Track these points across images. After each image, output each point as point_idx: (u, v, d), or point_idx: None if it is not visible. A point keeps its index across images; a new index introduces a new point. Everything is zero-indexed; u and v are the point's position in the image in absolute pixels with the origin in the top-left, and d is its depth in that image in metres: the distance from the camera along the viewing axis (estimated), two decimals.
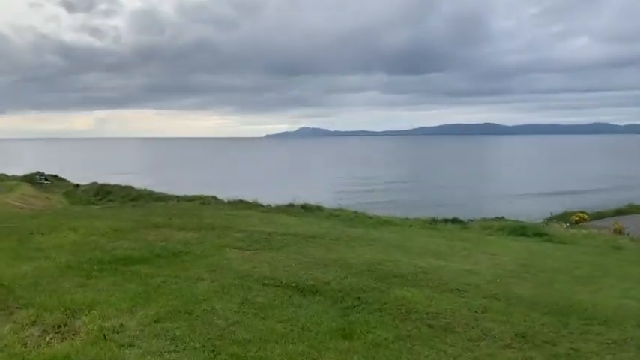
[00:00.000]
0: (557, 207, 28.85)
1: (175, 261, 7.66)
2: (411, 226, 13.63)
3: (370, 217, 15.52)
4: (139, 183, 42.58)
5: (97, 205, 29.14)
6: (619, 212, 23.21)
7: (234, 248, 8.67)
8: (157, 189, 36.96)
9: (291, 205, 16.11)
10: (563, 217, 22.73)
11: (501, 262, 8.39)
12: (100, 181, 43.98)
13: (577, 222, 19.93)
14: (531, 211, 31.55)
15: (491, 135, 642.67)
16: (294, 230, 10.80)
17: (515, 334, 4.79)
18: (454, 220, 14.61)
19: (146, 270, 6.99)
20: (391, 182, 56.74)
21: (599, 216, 22.84)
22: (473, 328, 4.95)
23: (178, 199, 25.38)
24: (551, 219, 23.50)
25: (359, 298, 5.75)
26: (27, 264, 7.30)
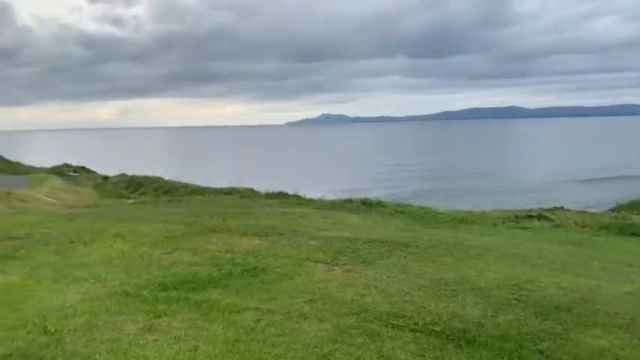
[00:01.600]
0: (622, 193, 26.63)
1: (254, 283, 6.09)
2: (495, 224, 11.89)
3: (439, 213, 13.83)
4: (164, 173, 41.43)
5: (129, 198, 27.96)
6: None
7: (317, 262, 7.06)
8: (184, 179, 35.79)
9: (349, 201, 14.48)
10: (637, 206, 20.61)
11: None
12: (127, 172, 43.09)
13: None
14: (592, 198, 29.40)
15: (516, 118, 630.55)
16: (374, 234, 9.16)
17: None
18: (540, 217, 12.77)
19: (224, 298, 5.43)
20: (427, 169, 54.85)
21: None
22: None
23: (216, 192, 24.01)
24: (619, 208, 21.32)
25: (540, 352, 4.08)
26: (73, 289, 5.82)
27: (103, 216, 12.11)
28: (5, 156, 62.09)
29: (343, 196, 15.68)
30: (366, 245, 8.05)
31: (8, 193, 19.90)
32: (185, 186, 28.19)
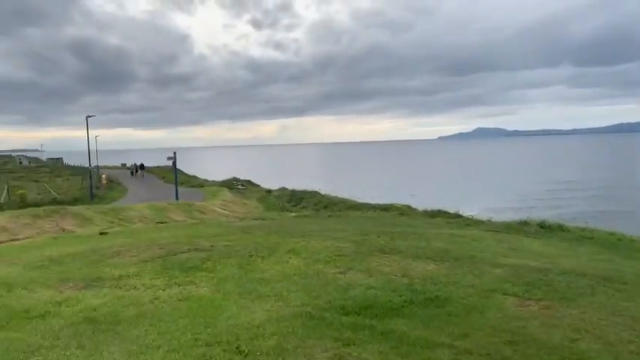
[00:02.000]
0: None
1: (440, 314, 5.60)
2: None
3: (634, 240, 11.98)
4: (321, 187, 42.77)
5: (291, 211, 29.23)
6: None
7: (506, 295, 6.34)
8: (339, 193, 36.45)
9: (524, 223, 13.25)
10: None
11: None
12: (287, 185, 45.30)
13: None
14: None
15: None
16: (566, 265, 8.10)
17: None
18: None
19: (411, 330, 5.03)
20: (599, 187, 49.17)
21: None
22: None
23: (375, 208, 23.93)
24: None
25: None
26: (258, 307, 5.89)
27: (274, 230, 12.58)
28: (184, 170, 69.78)
29: (505, 216, 14.49)
30: (560, 277, 7.09)
31: (189, 205, 21.94)
32: (343, 201, 28.66)
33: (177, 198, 27.18)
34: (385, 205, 24.68)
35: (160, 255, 9.04)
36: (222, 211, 24.75)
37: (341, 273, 7.60)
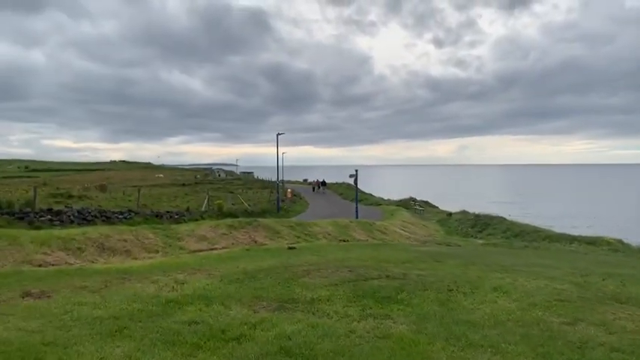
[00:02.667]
0: None
1: None
2: None
3: None
4: (505, 212, 39.33)
5: (475, 237, 27.19)
6: None
7: None
8: (529, 221, 32.93)
9: None
10: None
11: None
12: (466, 208, 42.70)
13: None
14: None
15: None
16: None
17: None
18: None
19: None
20: None
21: None
22: None
23: (578, 240, 20.93)
24: None
25: None
26: (472, 358, 4.84)
27: (469, 260, 11.30)
28: (361, 188, 70.97)
29: None
30: None
31: (370, 224, 21.52)
32: (536, 230, 25.73)
33: (357, 216, 27.22)
34: (591, 237, 21.43)
35: (350, 279, 8.49)
36: (402, 232, 23.94)
37: (568, 324, 6.14)
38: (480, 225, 30.49)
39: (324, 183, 66.20)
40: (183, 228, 13.29)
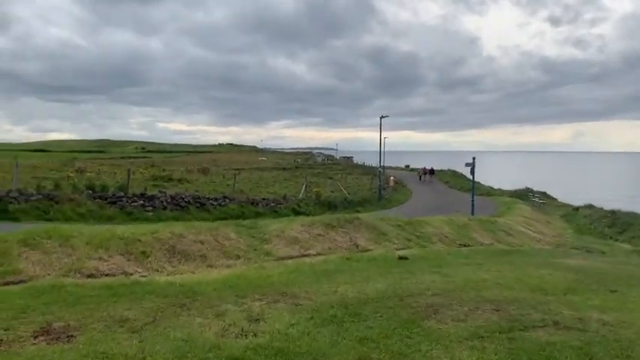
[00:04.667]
0: None
1: None
2: None
3: None
4: (636, 207, 33.36)
5: (616, 240, 22.70)
6: None
7: None
8: None
9: None
10: None
11: None
12: (591, 202, 37.05)
13: None
14: None
15: None
16: None
17: None
18: None
19: None
20: None
21: None
22: None
23: None
24: None
25: None
26: None
27: None
28: (468, 176, 65.99)
29: None
30: None
31: (492, 222, 18.16)
32: None
33: (472, 212, 23.76)
34: None
35: (500, 326, 5.67)
36: (529, 232, 20.25)
37: None
38: (620, 224, 25.62)
39: (432, 171, 61.85)
40: (272, 227, 11.10)
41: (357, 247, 11.39)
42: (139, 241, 8.61)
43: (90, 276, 7.25)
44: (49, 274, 7.01)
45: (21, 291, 6.28)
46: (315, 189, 32.30)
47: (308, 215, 26.50)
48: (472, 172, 26.00)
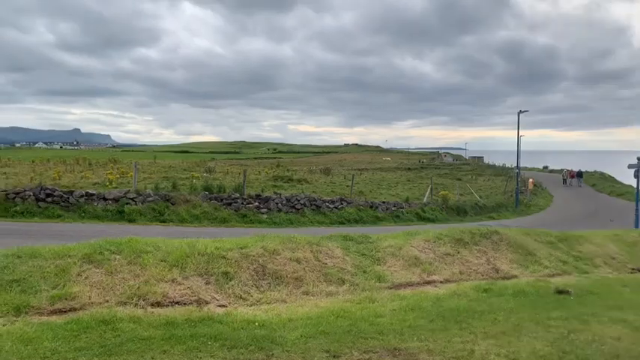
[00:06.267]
0: None
1: None
2: None
3: None
4: None
5: None
6: None
7: None
8: None
9: None
10: None
11: None
12: None
13: None
14: None
15: None
16: None
17: None
18: None
19: None
20: None
21: None
22: None
23: None
24: None
25: None
26: None
27: None
28: (615, 176, 57.73)
29: None
30: None
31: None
32: None
33: (637, 224, 19.44)
34: None
35: None
36: None
37: None
38: None
39: (579, 174, 54.90)
40: (387, 242, 9.03)
41: (497, 271, 8.90)
42: (224, 258, 7.11)
43: (155, 304, 5.84)
44: (106, 301, 5.71)
45: (62, 325, 5.00)
46: (442, 192, 29.49)
47: (433, 221, 23.98)
48: (637, 175, 21.42)
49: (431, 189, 29.10)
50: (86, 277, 6.06)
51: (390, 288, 7.47)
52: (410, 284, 7.69)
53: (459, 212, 26.13)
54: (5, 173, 29.03)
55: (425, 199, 27.47)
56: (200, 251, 7.10)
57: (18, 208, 14.77)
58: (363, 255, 8.47)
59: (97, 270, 6.25)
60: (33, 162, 42.78)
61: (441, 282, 7.93)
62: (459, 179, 50.39)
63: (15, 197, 15.14)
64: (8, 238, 11.16)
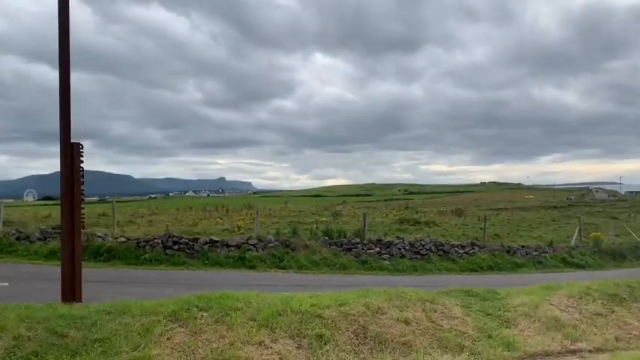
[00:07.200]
0: None
1: None
2: None
3: None
4: None
5: None
6: None
7: None
8: None
9: None
10: None
11: None
12: None
13: None
14: None
15: None
16: None
17: None
18: None
19: None
20: None
21: None
22: None
23: None
24: None
25: None
26: None
27: None
28: None
29: None
30: None
31: None
32: None
33: None
34: None
35: None
36: None
37: None
38: None
39: None
40: (519, 299, 7.50)
41: None
42: (319, 317, 6.28)
43: None
44: None
45: None
46: (593, 233, 25.87)
47: (583, 267, 20.89)
48: None
49: (579, 230, 25.68)
50: (168, 338, 5.59)
51: (523, 358, 6.02)
52: (548, 353, 6.15)
53: (615, 257, 22.55)
54: (151, 221, 31.53)
55: (572, 242, 24.24)
56: (294, 309, 6.35)
57: (147, 255, 15.46)
58: (488, 315, 7.08)
59: (181, 330, 5.78)
60: (177, 209, 46.31)
61: (589, 351, 6.25)
62: (614, 218, 44.56)
63: (145, 245, 15.93)
64: (131, 287, 11.49)
